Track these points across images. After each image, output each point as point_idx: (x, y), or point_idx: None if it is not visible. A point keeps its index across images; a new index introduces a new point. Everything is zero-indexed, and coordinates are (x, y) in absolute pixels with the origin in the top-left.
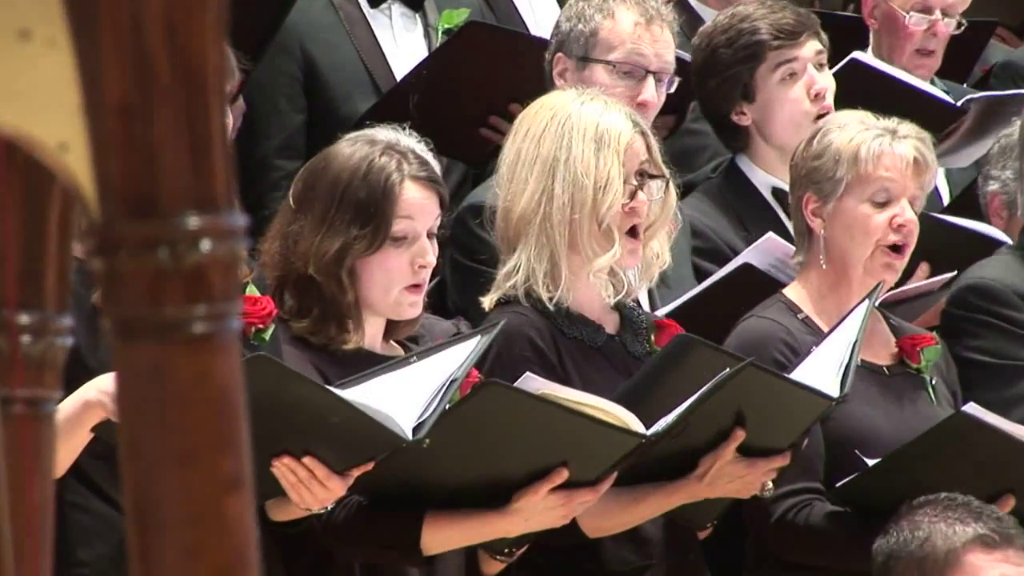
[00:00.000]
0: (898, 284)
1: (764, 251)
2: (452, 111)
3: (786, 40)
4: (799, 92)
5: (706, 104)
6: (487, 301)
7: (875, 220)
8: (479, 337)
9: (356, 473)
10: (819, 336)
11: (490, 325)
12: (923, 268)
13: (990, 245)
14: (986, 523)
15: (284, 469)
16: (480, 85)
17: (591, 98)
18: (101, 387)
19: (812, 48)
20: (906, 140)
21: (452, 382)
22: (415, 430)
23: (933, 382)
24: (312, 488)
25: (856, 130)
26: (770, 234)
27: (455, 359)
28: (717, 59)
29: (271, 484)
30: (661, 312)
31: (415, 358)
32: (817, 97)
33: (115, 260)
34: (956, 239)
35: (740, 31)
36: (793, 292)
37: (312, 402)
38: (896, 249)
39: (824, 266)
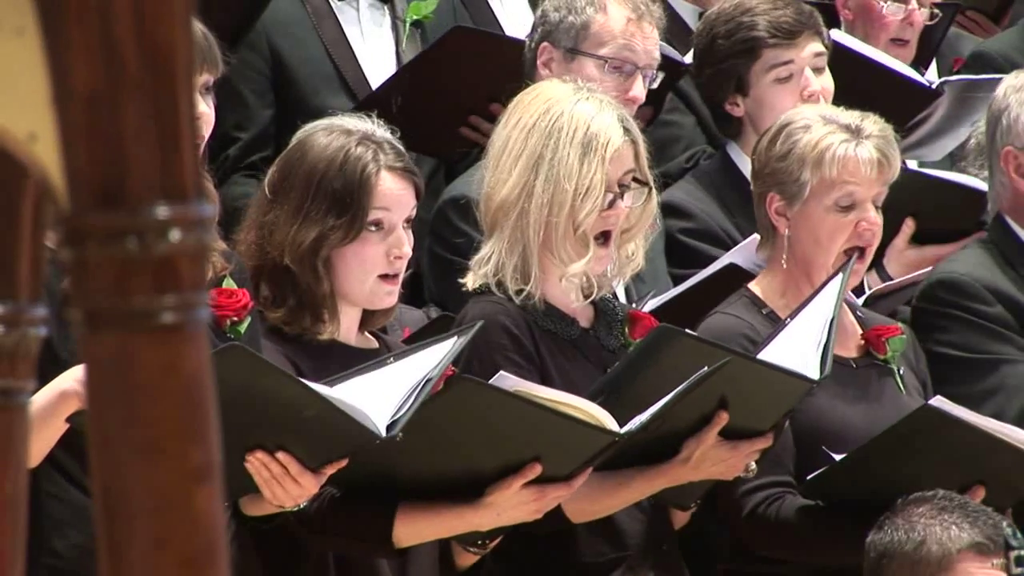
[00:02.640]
0: (884, 242)
1: (749, 251)
2: (433, 112)
3: (783, 39)
4: (792, 95)
5: (702, 90)
6: (468, 281)
7: (840, 224)
8: (456, 338)
9: (329, 471)
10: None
11: (467, 326)
12: (908, 224)
13: (975, 197)
14: (982, 529)
15: (257, 464)
16: (461, 85)
17: (587, 96)
18: (77, 377)
19: (811, 50)
20: (869, 141)
21: (427, 381)
22: (389, 427)
23: (901, 372)
24: (285, 484)
25: (821, 132)
26: (755, 235)
27: (432, 359)
28: (715, 49)
29: (245, 480)
30: (648, 307)
31: (392, 359)
32: (811, 99)
33: (83, 250)
34: (941, 194)
35: (739, 24)
36: (758, 286)
37: (286, 395)
38: (859, 252)
39: (785, 265)
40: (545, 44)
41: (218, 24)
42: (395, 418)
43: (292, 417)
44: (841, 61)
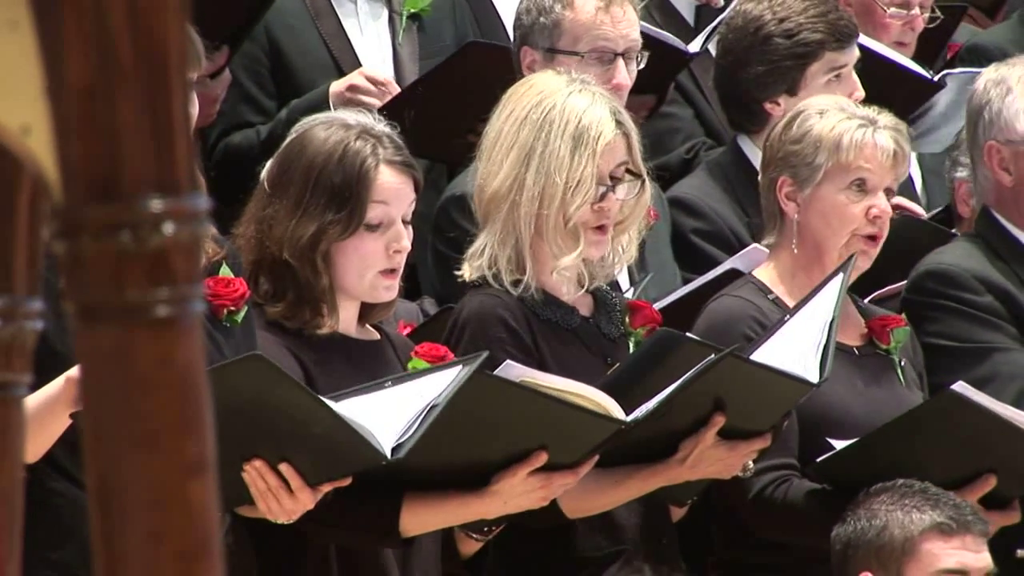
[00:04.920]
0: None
1: (749, 260)
2: (443, 120)
3: (844, 43)
4: (842, 96)
5: (738, 84)
6: (464, 272)
7: (852, 210)
8: (461, 367)
9: (327, 488)
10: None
11: (473, 356)
12: None
13: None
14: (943, 510)
15: (254, 474)
16: (472, 94)
17: (580, 89)
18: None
19: (855, 54)
20: (885, 131)
21: (432, 408)
22: (394, 450)
23: (902, 364)
24: (280, 498)
25: (837, 118)
26: (754, 245)
27: (436, 386)
28: (769, 47)
29: (240, 491)
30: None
31: (390, 383)
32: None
33: (77, 243)
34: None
35: (800, 25)
36: (763, 274)
37: (299, 408)
38: (870, 239)
39: (796, 250)
40: (525, 47)
41: (220, 23)
42: (400, 441)
43: (301, 431)
44: None
